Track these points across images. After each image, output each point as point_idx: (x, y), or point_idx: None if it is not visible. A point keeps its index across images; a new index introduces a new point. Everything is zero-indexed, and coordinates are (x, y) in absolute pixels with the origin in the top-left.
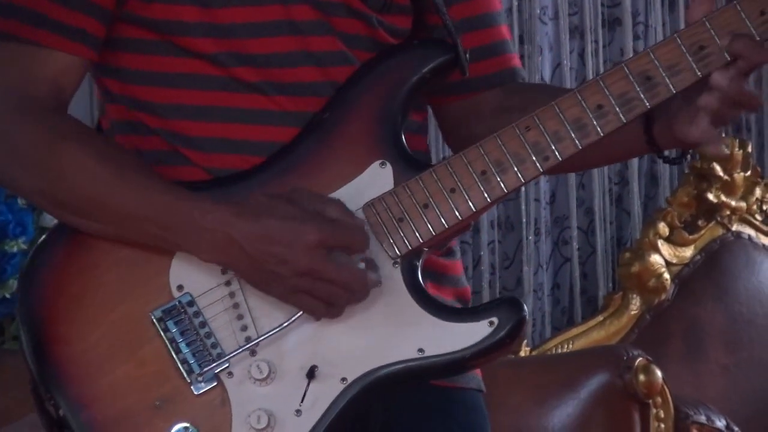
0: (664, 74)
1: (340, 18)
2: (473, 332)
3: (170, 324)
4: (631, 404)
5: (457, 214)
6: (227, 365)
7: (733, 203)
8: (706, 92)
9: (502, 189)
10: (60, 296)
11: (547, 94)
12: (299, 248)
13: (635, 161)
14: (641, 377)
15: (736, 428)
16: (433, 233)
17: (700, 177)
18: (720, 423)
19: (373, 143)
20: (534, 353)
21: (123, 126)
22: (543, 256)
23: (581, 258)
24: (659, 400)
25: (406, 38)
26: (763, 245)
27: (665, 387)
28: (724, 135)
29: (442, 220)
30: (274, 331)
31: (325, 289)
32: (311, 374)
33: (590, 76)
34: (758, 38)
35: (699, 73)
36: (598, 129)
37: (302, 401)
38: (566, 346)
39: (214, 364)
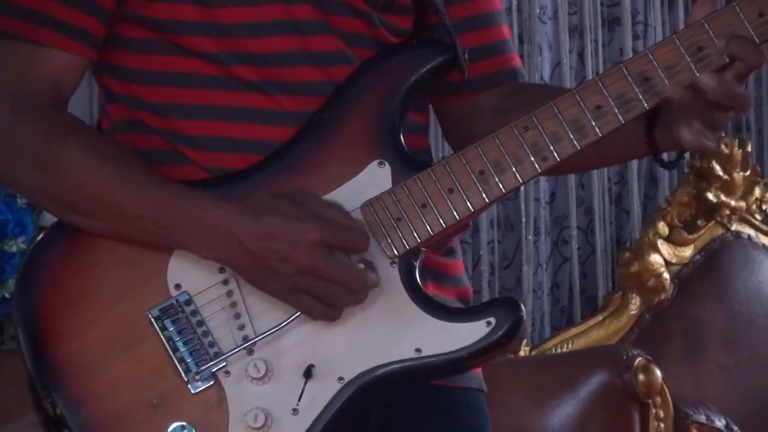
0: (662, 75)
1: (341, 17)
2: (470, 332)
3: (167, 323)
4: (630, 404)
5: (455, 214)
6: (224, 364)
7: (733, 203)
8: (695, 93)
9: (501, 189)
10: (57, 295)
11: (548, 95)
12: (301, 246)
13: (635, 161)
14: (641, 377)
15: (735, 428)
16: (431, 233)
17: (700, 177)
18: (719, 422)
19: (372, 143)
20: (533, 353)
21: (124, 125)
22: (542, 256)
23: (581, 258)
24: (659, 399)
25: (406, 38)
26: (763, 245)
27: (665, 387)
28: (723, 135)
29: (440, 220)
30: (272, 330)
31: (325, 288)
32: (308, 373)
33: (590, 75)
34: (757, 40)
35: (698, 75)
36: (597, 129)
37: (299, 400)
38: (566, 345)
39: (211, 363)
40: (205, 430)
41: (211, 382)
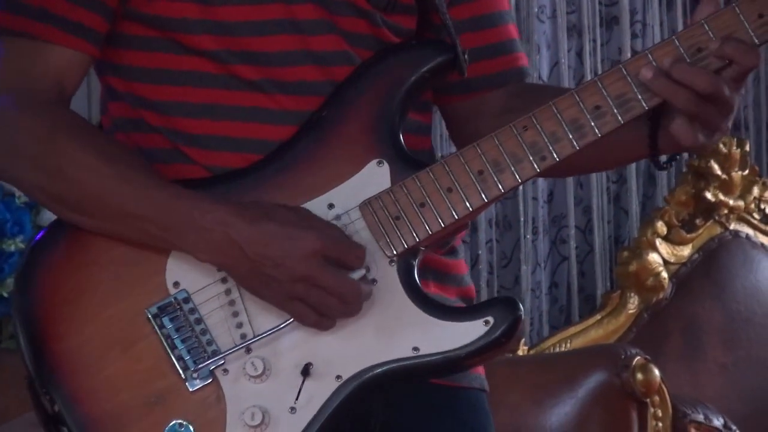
0: None
1: (344, 17)
2: (468, 331)
3: (166, 320)
4: (629, 403)
5: (453, 213)
6: (222, 362)
7: (731, 202)
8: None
9: (499, 189)
10: (56, 293)
11: (552, 96)
12: (297, 253)
13: None
14: (639, 376)
15: (734, 427)
16: (430, 232)
17: (698, 176)
18: (718, 422)
19: (371, 142)
20: (532, 352)
21: (125, 124)
22: (541, 255)
23: (579, 257)
24: (657, 398)
25: (406, 38)
26: (761, 244)
27: (663, 386)
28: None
29: (439, 219)
30: (270, 332)
31: (319, 297)
32: (306, 372)
33: (588, 74)
34: (757, 41)
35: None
36: (596, 130)
37: (297, 399)
38: (564, 345)
39: (209, 361)
40: (202, 427)
41: (209, 380)
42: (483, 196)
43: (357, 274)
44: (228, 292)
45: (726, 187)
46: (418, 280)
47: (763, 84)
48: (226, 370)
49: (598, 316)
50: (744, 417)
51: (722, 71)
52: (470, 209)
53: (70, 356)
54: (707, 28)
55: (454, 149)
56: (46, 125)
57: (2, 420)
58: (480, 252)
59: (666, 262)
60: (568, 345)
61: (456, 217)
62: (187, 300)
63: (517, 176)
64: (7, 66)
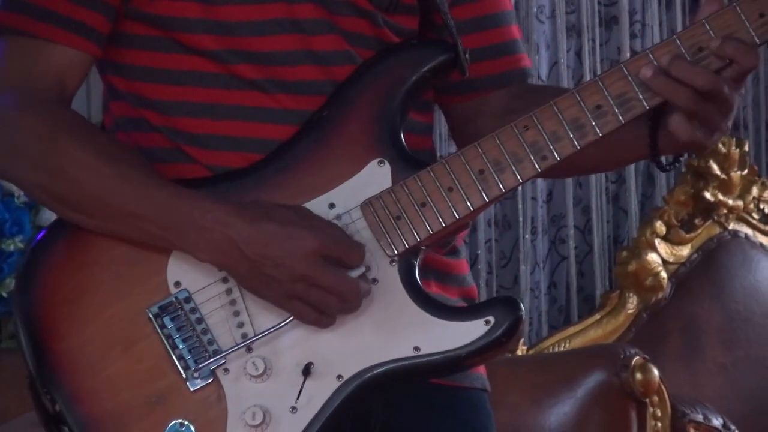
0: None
1: (345, 17)
2: (469, 331)
3: (167, 320)
4: (628, 403)
5: (454, 213)
6: (223, 362)
7: (730, 202)
8: (695, 93)
9: (500, 188)
10: (57, 293)
11: (554, 96)
12: (296, 253)
13: None
14: (638, 376)
15: (733, 427)
16: (431, 232)
17: (697, 175)
18: (717, 421)
19: (372, 142)
20: (531, 352)
21: (126, 123)
22: (540, 255)
23: (578, 257)
24: (656, 398)
25: (407, 37)
26: (760, 244)
27: (662, 385)
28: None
29: (440, 218)
30: (271, 330)
31: (319, 296)
32: (307, 371)
33: (587, 74)
34: (757, 40)
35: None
36: (597, 129)
37: (298, 398)
38: (563, 344)
39: (210, 360)
40: (203, 427)
41: (210, 380)
42: (484, 195)
43: (356, 273)
44: (229, 291)
45: (725, 186)
46: (419, 280)
47: (762, 84)
48: (227, 370)
49: (597, 316)
50: (743, 417)
51: (722, 71)
52: (471, 209)
53: (71, 356)
54: (708, 27)
55: (453, 149)
56: (47, 125)
57: (2, 420)
58: (479, 252)
59: (665, 262)
60: (567, 345)
61: (457, 216)
62: (188, 299)
63: (518, 176)
64: (9, 65)
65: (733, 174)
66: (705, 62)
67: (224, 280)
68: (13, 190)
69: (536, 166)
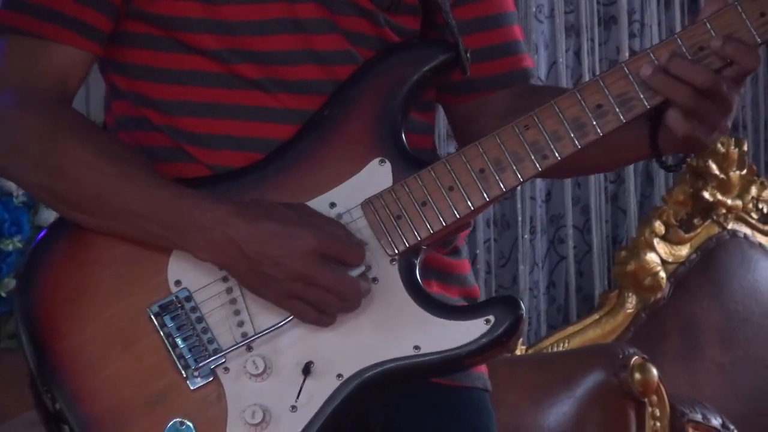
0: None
1: (346, 16)
2: (469, 330)
3: (167, 319)
4: (627, 403)
5: (455, 212)
6: (223, 360)
7: (729, 202)
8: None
9: (501, 187)
10: (58, 292)
11: (556, 96)
12: (294, 252)
13: None
14: (637, 376)
15: (731, 426)
16: (431, 231)
17: (696, 175)
18: (716, 421)
19: (373, 141)
20: (530, 352)
21: (127, 122)
22: (538, 255)
23: (577, 256)
24: (655, 398)
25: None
26: (759, 243)
27: (661, 385)
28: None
29: (440, 218)
30: (271, 329)
31: (318, 295)
32: (307, 370)
33: (586, 74)
34: (758, 39)
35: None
36: (598, 128)
37: (297, 397)
38: (562, 344)
39: (210, 359)
40: (203, 426)
41: (210, 379)
42: (484, 194)
43: (356, 271)
44: (229, 290)
45: (724, 186)
46: (419, 279)
47: (761, 84)
48: (227, 369)
49: (596, 316)
50: (742, 416)
51: (723, 70)
52: (471, 208)
53: (71, 355)
54: (709, 26)
55: (453, 149)
56: (48, 124)
57: (1, 419)
58: (478, 251)
59: (664, 262)
60: (566, 345)
61: (457, 215)
62: (188, 298)
63: (519, 175)
64: (11, 64)
65: (731, 174)
66: (706, 61)
67: (224, 279)
68: (11, 189)
69: (537, 165)
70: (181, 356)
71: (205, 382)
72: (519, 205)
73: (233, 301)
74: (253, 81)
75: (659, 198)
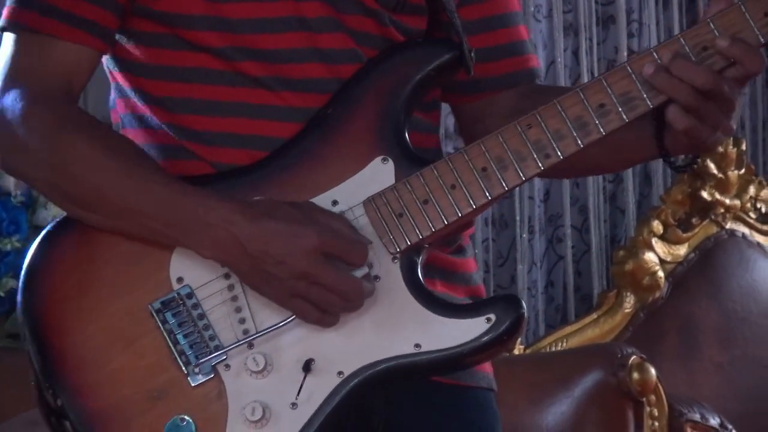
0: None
1: (351, 15)
2: (470, 328)
3: (168, 316)
4: (625, 402)
5: (456, 210)
6: (224, 357)
7: (727, 201)
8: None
9: (503, 186)
10: (61, 289)
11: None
12: (297, 251)
13: None
14: (635, 375)
15: (730, 426)
16: (433, 229)
17: (694, 175)
18: (714, 421)
19: (376, 139)
20: (528, 351)
21: (132, 120)
22: (537, 254)
23: (575, 256)
24: (653, 398)
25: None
26: (757, 243)
27: (659, 385)
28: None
29: (442, 216)
30: (272, 328)
31: (320, 294)
32: (307, 368)
33: (584, 74)
34: (762, 39)
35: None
36: (600, 128)
37: (298, 394)
38: (560, 344)
39: (211, 356)
40: (204, 422)
41: (211, 376)
42: (487, 193)
43: (360, 272)
44: (231, 287)
45: (722, 186)
46: (421, 278)
47: (759, 83)
48: (228, 366)
49: (594, 316)
50: (740, 416)
51: (725, 70)
52: (474, 206)
53: (73, 351)
54: (713, 26)
55: (452, 149)
56: (54, 121)
57: (1, 419)
58: (476, 251)
59: (662, 261)
60: (565, 344)
61: (459, 214)
62: (190, 295)
63: (521, 174)
64: (17, 61)
65: (730, 173)
66: (709, 61)
67: (226, 276)
68: (10, 189)
69: (539, 164)
70: (182, 353)
71: (206, 378)
72: (517, 205)
73: (235, 299)
74: (257, 79)
75: (657, 197)
